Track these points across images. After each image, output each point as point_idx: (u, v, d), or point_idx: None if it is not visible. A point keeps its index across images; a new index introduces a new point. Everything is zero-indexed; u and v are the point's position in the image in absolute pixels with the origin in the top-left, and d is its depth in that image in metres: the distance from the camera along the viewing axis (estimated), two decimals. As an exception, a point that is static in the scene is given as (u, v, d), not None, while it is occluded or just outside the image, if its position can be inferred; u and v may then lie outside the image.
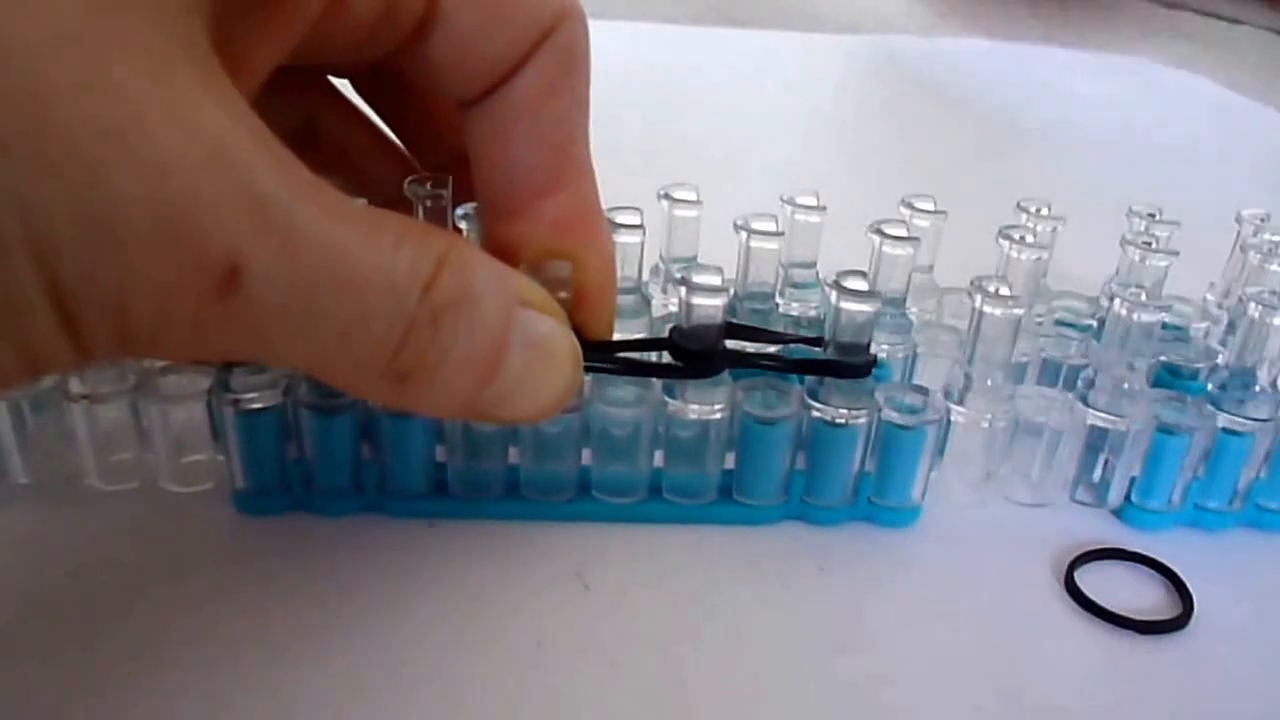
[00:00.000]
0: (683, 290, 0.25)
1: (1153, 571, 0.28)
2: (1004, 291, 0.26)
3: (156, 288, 0.15)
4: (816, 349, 0.27)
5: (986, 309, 0.27)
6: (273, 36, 0.18)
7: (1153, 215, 0.35)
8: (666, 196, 0.32)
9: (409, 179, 0.25)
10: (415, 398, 0.19)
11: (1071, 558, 0.28)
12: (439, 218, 0.24)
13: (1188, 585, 0.27)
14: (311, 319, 0.16)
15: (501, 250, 0.22)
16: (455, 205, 0.26)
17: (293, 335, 0.16)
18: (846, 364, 0.26)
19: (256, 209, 0.15)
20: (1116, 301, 0.28)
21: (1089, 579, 0.28)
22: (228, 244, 0.15)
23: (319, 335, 0.17)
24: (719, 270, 0.25)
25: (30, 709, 0.22)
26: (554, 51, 0.21)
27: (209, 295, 0.15)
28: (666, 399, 0.27)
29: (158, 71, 0.14)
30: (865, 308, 0.26)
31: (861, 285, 0.26)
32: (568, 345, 0.21)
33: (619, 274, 0.27)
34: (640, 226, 0.29)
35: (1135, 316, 0.28)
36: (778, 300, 0.32)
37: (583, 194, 0.23)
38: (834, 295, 0.26)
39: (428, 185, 0.24)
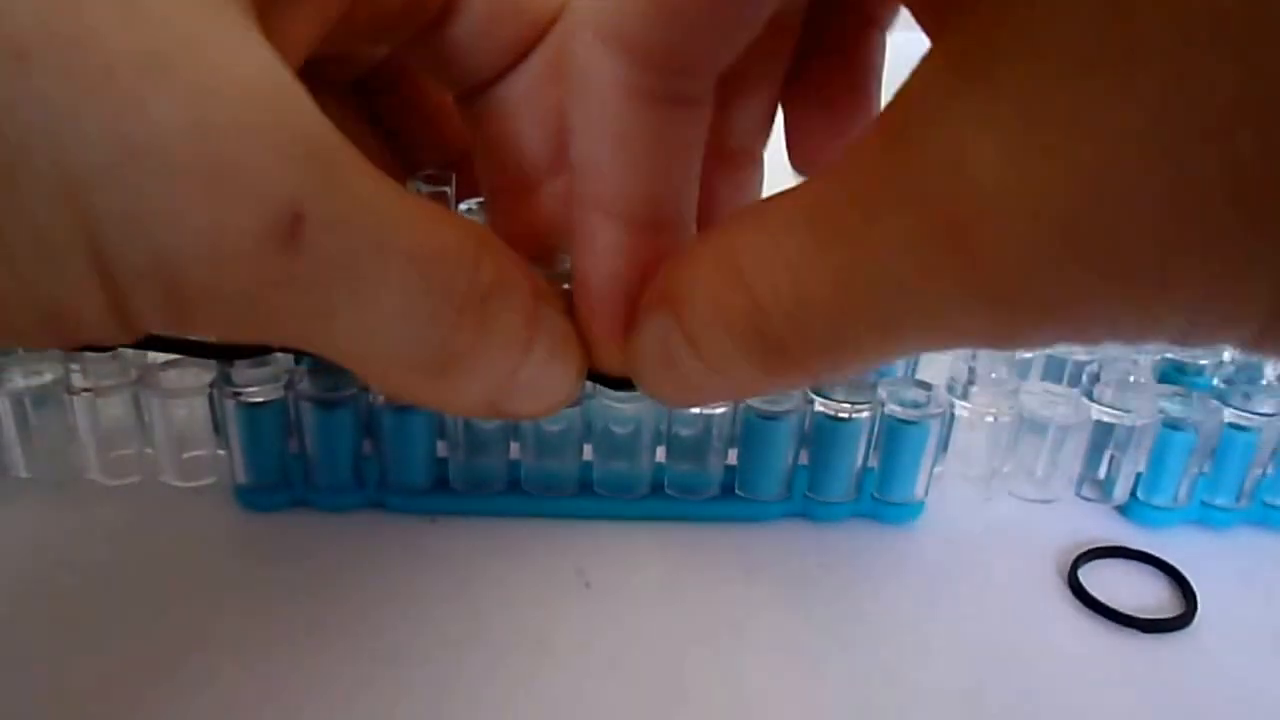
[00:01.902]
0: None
1: (1156, 570, 0.28)
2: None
3: (211, 233, 0.13)
4: None
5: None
6: (311, 16, 0.18)
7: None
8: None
9: (412, 176, 0.25)
10: (450, 388, 0.18)
11: (1075, 555, 0.28)
12: None
13: (1191, 583, 0.27)
14: (374, 288, 0.15)
15: (506, 242, 0.22)
16: (457, 203, 0.26)
17: (352, 306, 0.15)
18: None
19: (315, 155, 0.14)
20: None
21: (1092, 577, 0.27)
22: (289, 187, 0.13)
23: (378, 308, 0.15)
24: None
25: (31, 703, 0.22)
26: (555, 42, 0.21)
27: (270, 246, 0.13)
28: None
29: (205, 4, 0.13)
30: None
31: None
32: (576, 338, 0.21)
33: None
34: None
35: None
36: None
37: None
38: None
39: (430, 182, 0.24)
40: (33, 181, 0.12)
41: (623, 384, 0.24)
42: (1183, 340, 0.12)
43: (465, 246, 0.17)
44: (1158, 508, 0.29)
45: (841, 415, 0.27)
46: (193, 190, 0.13)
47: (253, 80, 0.13)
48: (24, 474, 0.28)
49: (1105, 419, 0.28)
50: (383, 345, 0.16)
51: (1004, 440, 0.28)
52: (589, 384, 0.27)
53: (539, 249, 0.22)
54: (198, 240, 0.13)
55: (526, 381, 0.19)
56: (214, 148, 0.13)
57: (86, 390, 0.27)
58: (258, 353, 0.25)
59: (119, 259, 0.13)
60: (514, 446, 0.28)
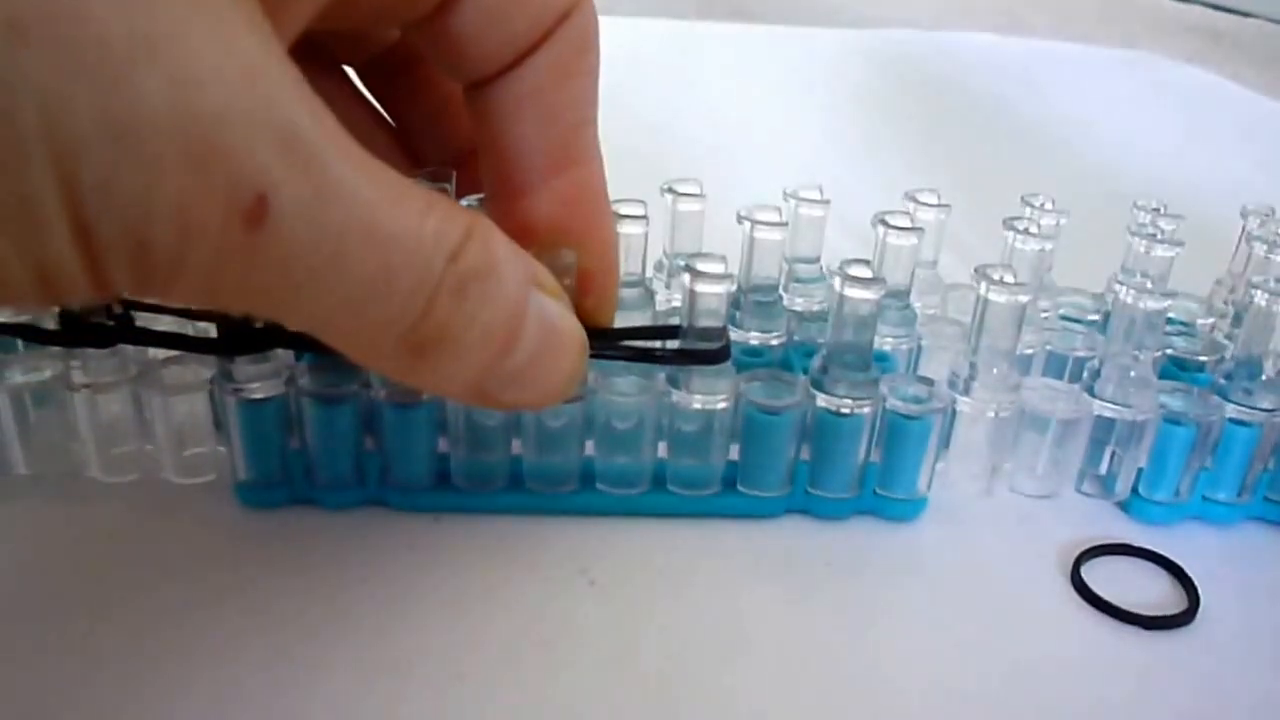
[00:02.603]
0: (687, 278, 0.25)
1: (1159, 566, 0.28)
2: (1008, 279, 0.26)
3: (180, 210, 0.14)
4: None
5: (991, 296, 0.26)
6: None
7: (1158, 210, 0.35)
8: (670, 191, 0.32)
9: (414, 172, 0.25)
10: (429, 372, 0.18)
11: (1078, 552, 0.28)
12: None
13: (1194, 580, 0.27)
14: (337, 271, 0.16)
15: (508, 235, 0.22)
16: (458, 198, 0.26)
17: (315, 287, 0.16)
18: (703, 351, 0.25)
19: (289, 143, 0.15)
20: (1122, 290, 0.28)
21: (1095, 573, 0.27)
22: (257, 172, 0.14)
23: (342, 290, 0.16)
24: (723, 259, 0.25)
25: (31, 702, 0.22)
26: (570, 34, 0.21)
27: (235, 225, 0.14)
28: (670, 389, 0.27)
29: None
30: (869, 295, 0.26)
31: (866, 272, 0.26)
32: (575, 331, 0.21)
33: (623, 266, 0.27)
34: (644, 217, 0.29)
35: (1141, 304, 0.27)
36: (782, 294, 0.32)
37: (590, 175, 0.23)
38: (837, 282, 0.26)
39: (431, 179, 0.24)
40: (23, 150, 0.13)
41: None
42: None
43: (448, 234, 0.17)
44: (1159, 503, 0.29)
45: (843, 411, 0.27)
46: (167, 170, 0.14)
47: (236, 66, 0.14)
48: (24, 471, 0.28)
49: (1106, 414, 0.28)
50: (352, 324, 0.17)
51: (1005, 436, 0.28)
52: (591, 379, 0.27)
53: (540, 246, 0.22)
54: (167, 217, 0.14)
55: (516, 370, 0.19)
56: (190, 131, 0.14)
57: (86, 387, 0.26)
58: (258, 349, 0.25)
59: (97, 227, 0.14)
60: (516, 442, 0.28)
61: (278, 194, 0.15)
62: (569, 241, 0.22)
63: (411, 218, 0.17)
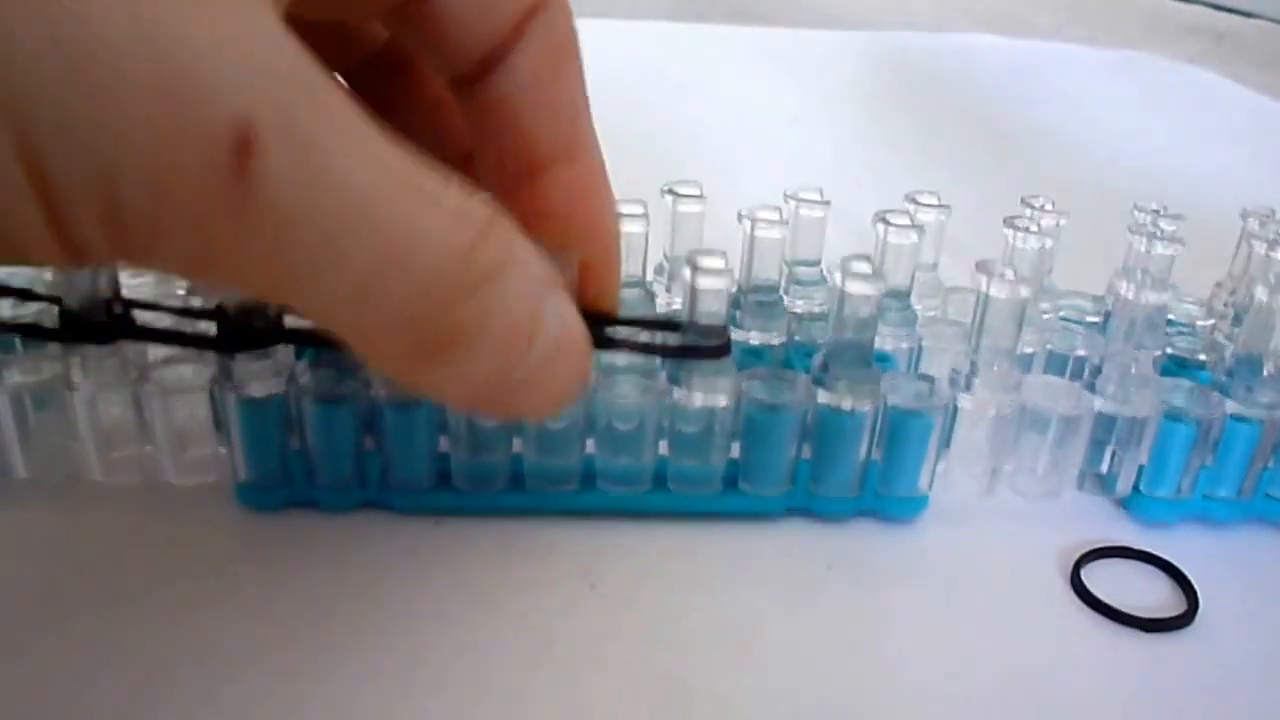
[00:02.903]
0: (688, 272, 0.25)
1: (1158, 569, 0.28)
2: (1009, 274, 0.26)
3: (150, 150, 0.12)
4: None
5: (992, 291, 0.26)
6: None
7: (1158, 210, 0.35)
8: (670, 192, 0.32)
9: None
10: (441, 376, 0.17)
11: (1079, 553, 0.28)
12: None
13: (1193, 582, 0.27)
14: (339, 245, 0.14)
15: None
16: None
17: (317, 258, 0.14)
18: (703, 346, 0.25)
19: (279, 75, 0.13)
20: (1123, 285, 0.28)
21: (1095, 575, 0.27)
22: (240, 105, 0.13)
23: (353, 272, 0.14)
24: (723, 255, 0.25)
25: (32, 704, 0.22)
26: (550, 26, 0.21)
27: (217, 170, 0.13)
28: (671, 388, 0.27)
29: None
30: (870, 290, 0.26)
31: (867, 268, 0.26)
32: (583, 332, 0.20)
33: (624, 266, 0.27)
34: (644, 216, 0.29)
35: (1142, 299, 0.27)
36: (782, 295, 0.32)
37: (590, 166, 0.22)
38: (838, 278, 0.26)
39: None
40: None
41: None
42: None
43: (467, 220, 0.16)
44: (1160, 501, 0.29)
45: (845, 408, 0.27)
46: (134, 104, 0.12)
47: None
48: (23, 474, 0.28)
49: (1107, 410, 0.28)
50: (362, 317, 0.15)
51: (1006, 435, 0.28)
52: (592, 379, 0.27)
53: (544, 243, 0.22)
54: (138, 158, 0.12)
55: (529, 374, 0.18)
56: (159, 56, 0.12)
57: (86, 387, 0.26)
58: (258, 346, 0.25)
59: (56, 174, 0.12)
60: (516, 442, 0.28)
61: (267, 131, 0.13)
62: (571, 233, 0.22)
63: (424, 207, 0.15)
